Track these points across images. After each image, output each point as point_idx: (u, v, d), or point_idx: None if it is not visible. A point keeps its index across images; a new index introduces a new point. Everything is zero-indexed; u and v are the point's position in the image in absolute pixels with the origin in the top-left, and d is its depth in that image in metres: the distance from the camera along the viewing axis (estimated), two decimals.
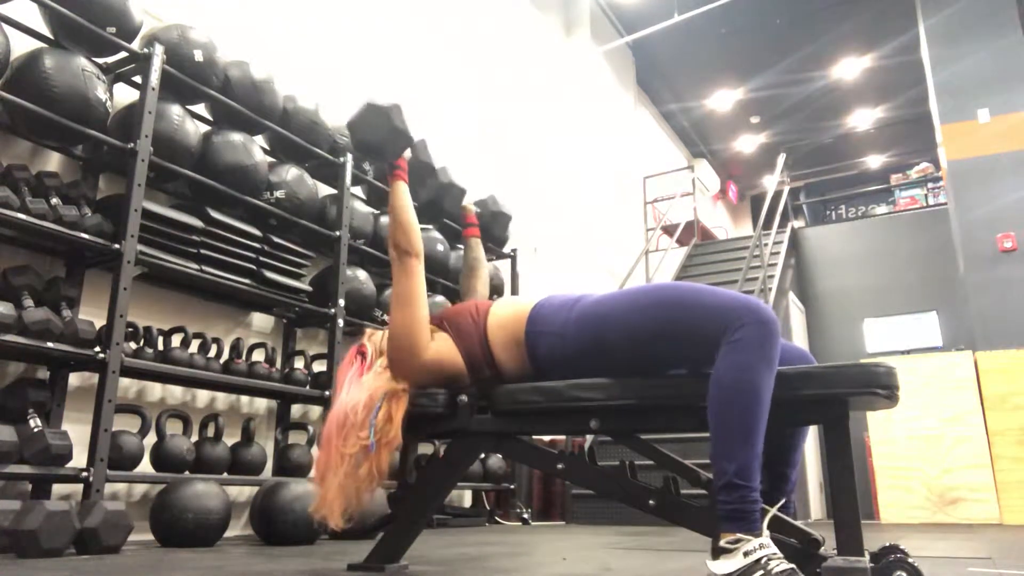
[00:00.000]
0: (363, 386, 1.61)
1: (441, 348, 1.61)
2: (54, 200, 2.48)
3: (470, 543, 2.81)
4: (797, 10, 7.96)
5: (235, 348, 3.16)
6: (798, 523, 1.45)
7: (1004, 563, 2.12)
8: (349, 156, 3.82)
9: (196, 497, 2.43)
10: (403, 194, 1.69)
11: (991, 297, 5.45)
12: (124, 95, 2.94)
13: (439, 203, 2.10)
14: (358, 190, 4.13)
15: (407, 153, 1.78)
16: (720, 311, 1.34)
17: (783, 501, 1.46)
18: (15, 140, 2.67)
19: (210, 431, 2.98)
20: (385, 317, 3.88)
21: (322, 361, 3.60)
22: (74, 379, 2.66)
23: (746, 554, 1.20)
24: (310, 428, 3.41)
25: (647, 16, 7.90)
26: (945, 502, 5.04)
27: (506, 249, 5.24)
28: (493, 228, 2.32)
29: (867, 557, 1.27)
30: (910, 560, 1.33)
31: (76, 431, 2.45)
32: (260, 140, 3.51)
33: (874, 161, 11.59)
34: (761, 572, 1.17)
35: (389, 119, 1.67)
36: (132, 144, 2.67)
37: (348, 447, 1.53)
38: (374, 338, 1.75)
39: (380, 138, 1.68)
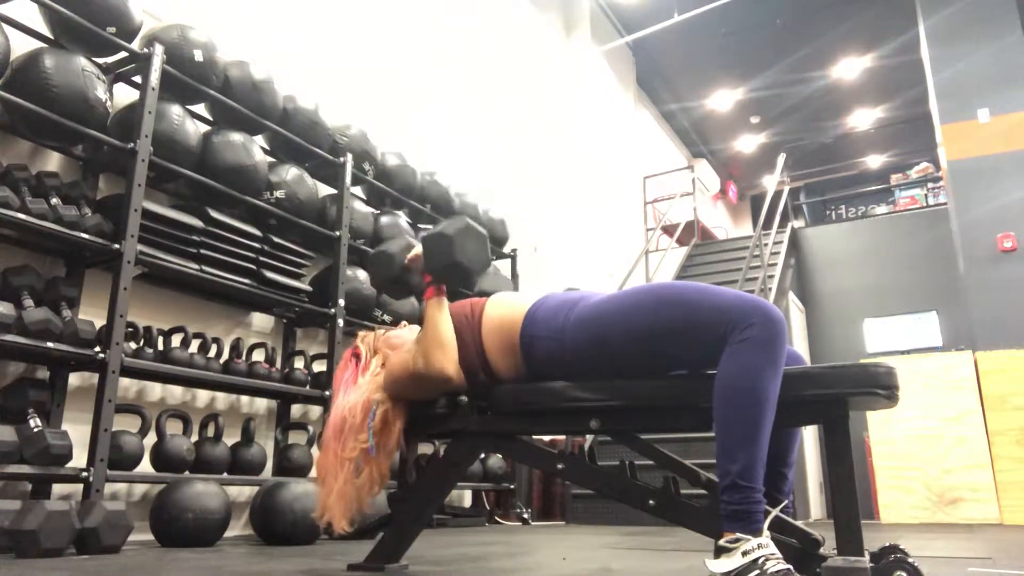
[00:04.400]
0: (359, 389, 1.61)
1: None
2: (54, 200, 2.48)
3: (470, 543, 2.81)
4: (797, 10, 7.96)
5: (235, 348, 3.16)
6: (798, 523, 1.45)
7: (1004, 563, 2.12)
8: (349, 156, 3.82)
9: (196, 497, 2.43)
10: (446, 312, 1.58)
11: (991, 297, 5.44)
12: (124, 95, 2.94)
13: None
14: (358, 190, 4.13)
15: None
16: (727, 310, 1.33)
17: (784, 503, 1.46)
18: (15, 140, 2.67)
19: (210, 431, 2.98)
20: (385, 317, 3.88)
21: (322, 361, 3.60)
22: (74, 379, 2.66)
23: (744, 554, 1.20)
24: (310, 428, 3.41)
25: (647, 16, 7.90)
26: (945, 502, 5.04)
27: (506, 249, 5.24)
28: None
29: (867, 557, 1.27)
30: (910, 560, 1.33)
31: (76, 431, 2.46)
32: (260, 140, 3.51)
33: (874, 161, 11.59)
34: (757, 572, 1.17)
35: (487, 250, 1.58)
36: (132, 144, 2.67)
37: (347, 451, 1.53)
38: (367, 339, 1.74)
39: (478, 266, 1.57)
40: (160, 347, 2.86)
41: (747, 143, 11.31)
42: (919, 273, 7.43)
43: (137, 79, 2.89)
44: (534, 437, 1.79)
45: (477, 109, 5.84)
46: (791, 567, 1.18)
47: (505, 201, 5.56)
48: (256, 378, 3.14)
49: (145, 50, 2.81)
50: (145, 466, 2.70)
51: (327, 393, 3.38)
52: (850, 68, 9.14)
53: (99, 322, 2.56)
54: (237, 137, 3.20)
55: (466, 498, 4.69)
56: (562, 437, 4.62)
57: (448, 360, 1.53)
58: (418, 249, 1.65)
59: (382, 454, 1.53)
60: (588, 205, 7.15)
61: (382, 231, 3.99)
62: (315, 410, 3.70)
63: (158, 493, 2.50)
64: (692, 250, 8.55)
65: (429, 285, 1.59)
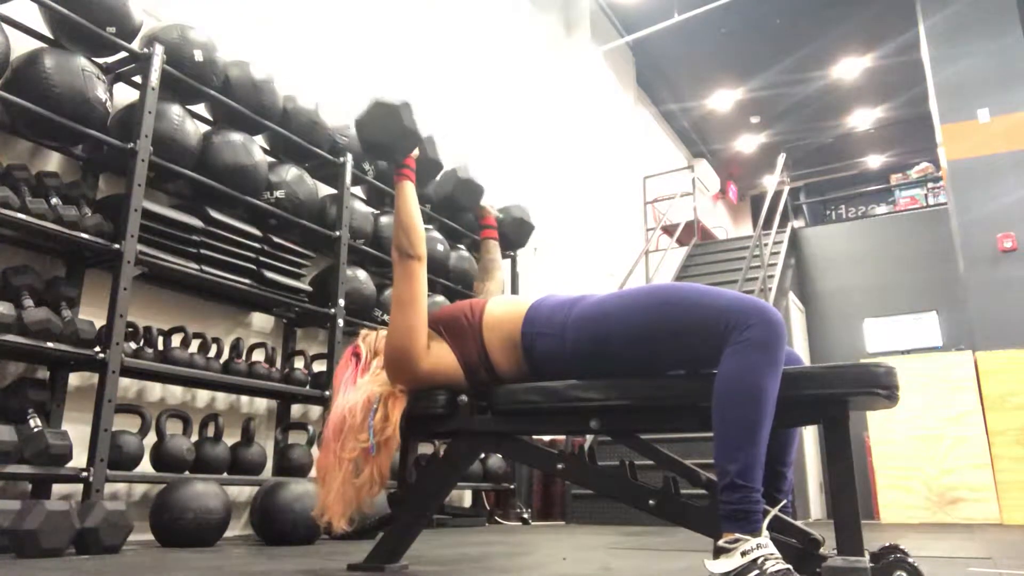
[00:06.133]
0: (359, 388, 1.61)
1: (438, 354, 1.60)
2: (54, 200, 2.48)
3: (470, 543, 2.81)
4: (797, 10, 7.96)
5: (235, 348, 3.16)
6: (798, 523, 1.45)
7: (1004, 563, 2.12)
8: (349, 156, 3.82)
9: (196, 497, 2.43)
10: (409, 195, 1.65)
11: (991, 297, 5.44)
12: (124, 95, 2.94)
13: (456, 199, 2.10)
14: (358, 190, 4.13)
15: (415, 152, 1.73)
16: (727, 311, 1.33)
17: (783, 502, 1.46)
18: (15, 140, 2.67)
19: (210, 431, 2.98)
20: (385, 317, 3.88)
21: (322, 361, 3.60)
22: (74, 379, 2.66)
23: (744, 554, 1.20)
24: (310, 428, 3.40)
25: (647, 16, 7.90)
26: (945, 502, 5.04)
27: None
28: (516, 236, 2.28)
29: (867, 557, 1.27)
30: (910, 560, 1.33)
31: (76, 431, 2.45)
32: (260, 140, 3.51)
33: (874, 161, 11.59)
34: (757, 572, 1.17)
35: (399, 118, 1.61)
36: (132, 144, 2.67)
37: (347, 451, 1.53)
38: (368, 339, 1.75)
39: (390, 138, 1.62)
40: (160, 347, 2.85)
41: (747, 143, 11.31)
42: (919, 273, 7.44)
43: (137, 79, 2.89)
44: (534, 437, 1.79)
45: (477, 109, 5.83)
46: (791, 567, 1.18)
47: (505, 201, 5.55)
48: (256, 378, 3.14)
49: (145, 50, 2.81)
50: (145, 466, 2.70)
51: (327, 393, 3.38)
52: (850, 68, 9.14)
53: (99, 322, 2.56)
54: (237, 137, 3.20)
55: (466, 498, 4.69)
56: (562, 437, 4.62)
57: (412, 244, 1.60)
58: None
59: (383, 453, 1.53)
60: (588, 205, 7.15)
61: (382, 231, 4.00)
62: (315, 410, 3.70)
63: (158, 493, 2.50)
64: (692, 250, 8.56)
65: (394, 174, 1.68)
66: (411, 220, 1.62)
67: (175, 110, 2.92)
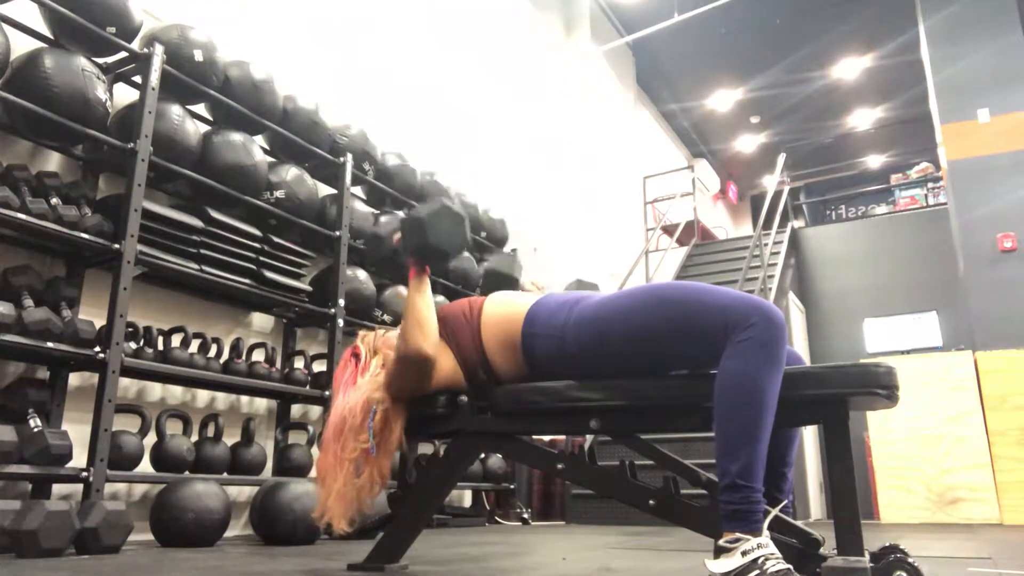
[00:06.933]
0: (359, 389, 1.61)
1: (441, 366, 1.58)
2: (54, 200, 2.48)
3: (470, 543, 2.81)
4: (797, 10, 7.96)
5: (235, 348, 3.16)
6: (798, 523, 1.45)
7: (1004, 563, 2.12)
8: (349, 156, 3.82)
9: (196, 497, 2.43)
10: (428, 290, 1.59)
11: (991, 297, 5.44)
12: (124, 95, 2.94)
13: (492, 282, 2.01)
14: (358, 190, 4.13)
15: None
16: (728, 310, 1.33)
17: (784, 502, 1.46)
18: (15, 140, 2.67)
19: (210, 431, 2.98)
20: (385, 317, 3.87)
21: (322, 361, 3.60)
22: (74, 379, 2.66)
23: (744, 553, 1.20)
24: (310, 428, 3.40)
25: (647, 16, 7.90)
26: (945, 502, 5.04)
27: (506, 249, 5.24)
28: None
29: (867, 557, 1.27)
30: (910, 560, 1.33)
31: (76, 431, 2.45)
32: (260, 140, 3.51)
33: (874, 161, 11.59)
34: (757, 572, 1.17)
35: (464, 233, 1.57)
36: (132, 144, 2.67)
37: (347, 452, 1.53)
38: (367, 339, 1.74)
39: (450, 248, 1.56)
40: (160, 347, 2.85)
41: (747, 143, 11.31)
42: (919, 273, 7.43)
43: (137, 79, 2.89)
44: (534, 437, 1.79)
45: (477, 109, 5.83)
46: (791, 567, 1.18)
47: (505, 201, 5.56)
48: (256, 378, 3.14)
49: (145, 50, 2.81)
50: (145, 466, 2.70)
51: (327, 393, 3.38)
52: (850, 68, 9.14)
53: (99, 322, 2.56)
54: (237, 137, 3.20)
55: (466, 498, 4.69)
56: (562, 437, 4.62)
57: (425, 340, 1.53)
58: None
59: (383, 454, 1.53)
60: (588, 205, 7.15)
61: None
62: (315, 410, 3.70)
63: (158, 493, 2.50)
64: (692, 250, 8.55)
65: (411, 266, 1.61)
66: (428, 315, 1.55)
67: (175, 110, 2.92)
